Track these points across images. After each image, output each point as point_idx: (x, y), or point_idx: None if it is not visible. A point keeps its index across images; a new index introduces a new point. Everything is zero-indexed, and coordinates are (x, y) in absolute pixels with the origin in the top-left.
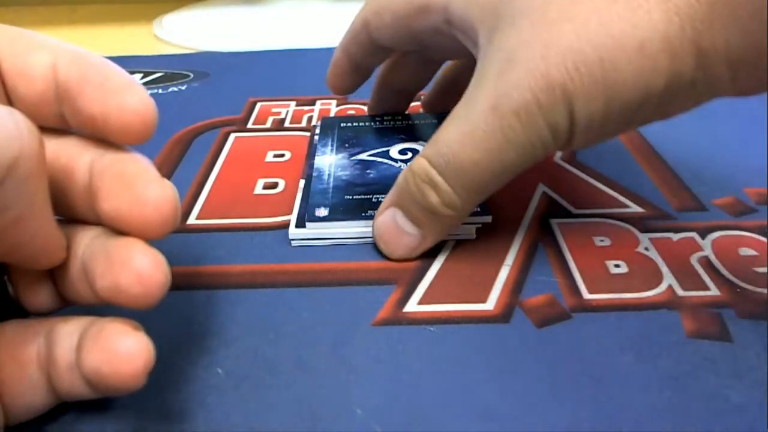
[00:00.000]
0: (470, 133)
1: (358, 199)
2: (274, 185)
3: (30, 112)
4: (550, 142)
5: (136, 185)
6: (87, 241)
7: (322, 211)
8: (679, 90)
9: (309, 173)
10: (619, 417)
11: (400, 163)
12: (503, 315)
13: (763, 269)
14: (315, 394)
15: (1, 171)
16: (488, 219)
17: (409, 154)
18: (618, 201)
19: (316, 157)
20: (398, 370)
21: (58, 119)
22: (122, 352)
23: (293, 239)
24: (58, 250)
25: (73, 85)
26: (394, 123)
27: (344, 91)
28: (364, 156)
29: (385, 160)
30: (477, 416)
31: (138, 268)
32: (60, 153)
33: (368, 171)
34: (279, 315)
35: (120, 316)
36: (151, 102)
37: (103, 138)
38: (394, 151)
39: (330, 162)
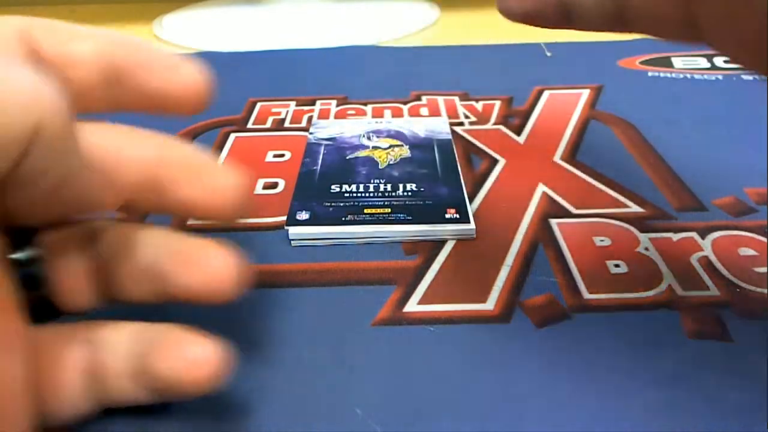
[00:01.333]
0: None
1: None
2: (274, 185)
3: (78, 97)
4: None
5: (208, 173)
6: (147, 240)
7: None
8: None
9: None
10: (619, 417)
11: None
12: (503, 315)
13: (763, 269)
14: (315, 394)
15: (25, 137)
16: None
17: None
18: (618, 201)
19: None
20: (398, 370)
21: (106, 104)
22: (198, 358)
23: (293, 239)
24: (109, 193)
25: (124, 67)
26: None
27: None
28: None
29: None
30: (477, 416)
31: (216, 267)
32: (109, 149)
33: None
34: (279, 315)
35: (168, 323)
36: (205, 70)
37: (157, 113)
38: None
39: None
